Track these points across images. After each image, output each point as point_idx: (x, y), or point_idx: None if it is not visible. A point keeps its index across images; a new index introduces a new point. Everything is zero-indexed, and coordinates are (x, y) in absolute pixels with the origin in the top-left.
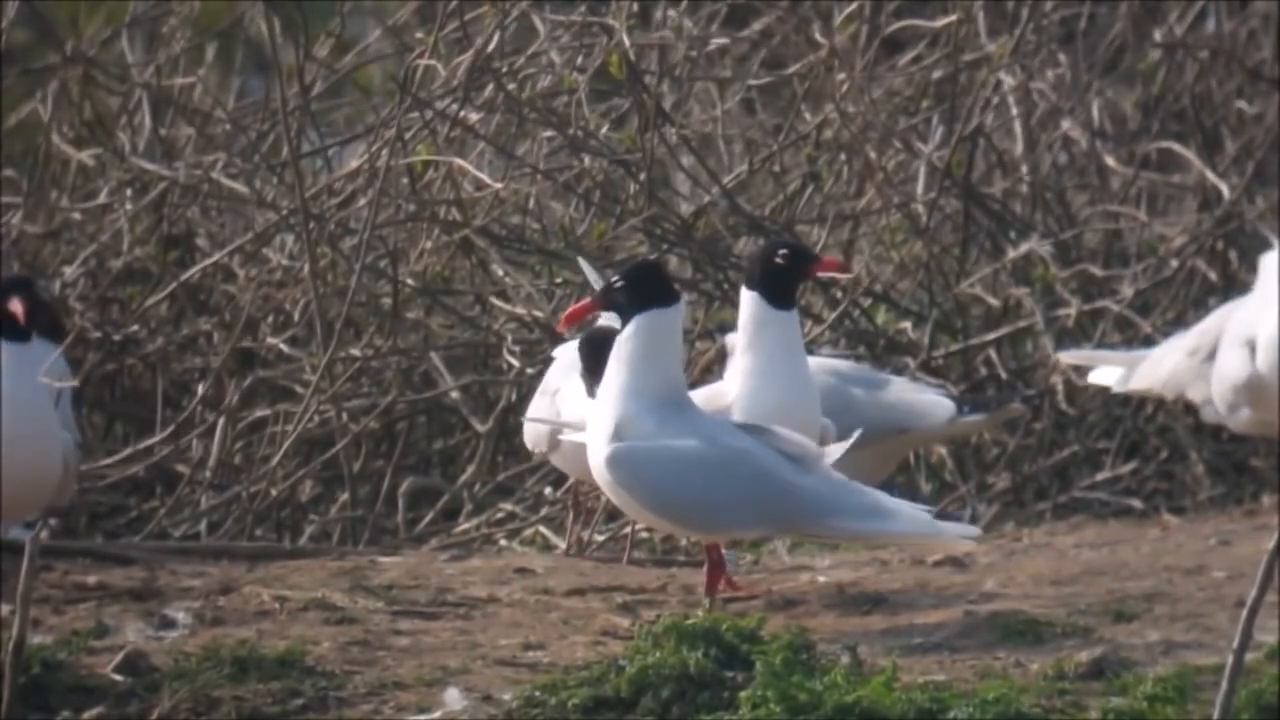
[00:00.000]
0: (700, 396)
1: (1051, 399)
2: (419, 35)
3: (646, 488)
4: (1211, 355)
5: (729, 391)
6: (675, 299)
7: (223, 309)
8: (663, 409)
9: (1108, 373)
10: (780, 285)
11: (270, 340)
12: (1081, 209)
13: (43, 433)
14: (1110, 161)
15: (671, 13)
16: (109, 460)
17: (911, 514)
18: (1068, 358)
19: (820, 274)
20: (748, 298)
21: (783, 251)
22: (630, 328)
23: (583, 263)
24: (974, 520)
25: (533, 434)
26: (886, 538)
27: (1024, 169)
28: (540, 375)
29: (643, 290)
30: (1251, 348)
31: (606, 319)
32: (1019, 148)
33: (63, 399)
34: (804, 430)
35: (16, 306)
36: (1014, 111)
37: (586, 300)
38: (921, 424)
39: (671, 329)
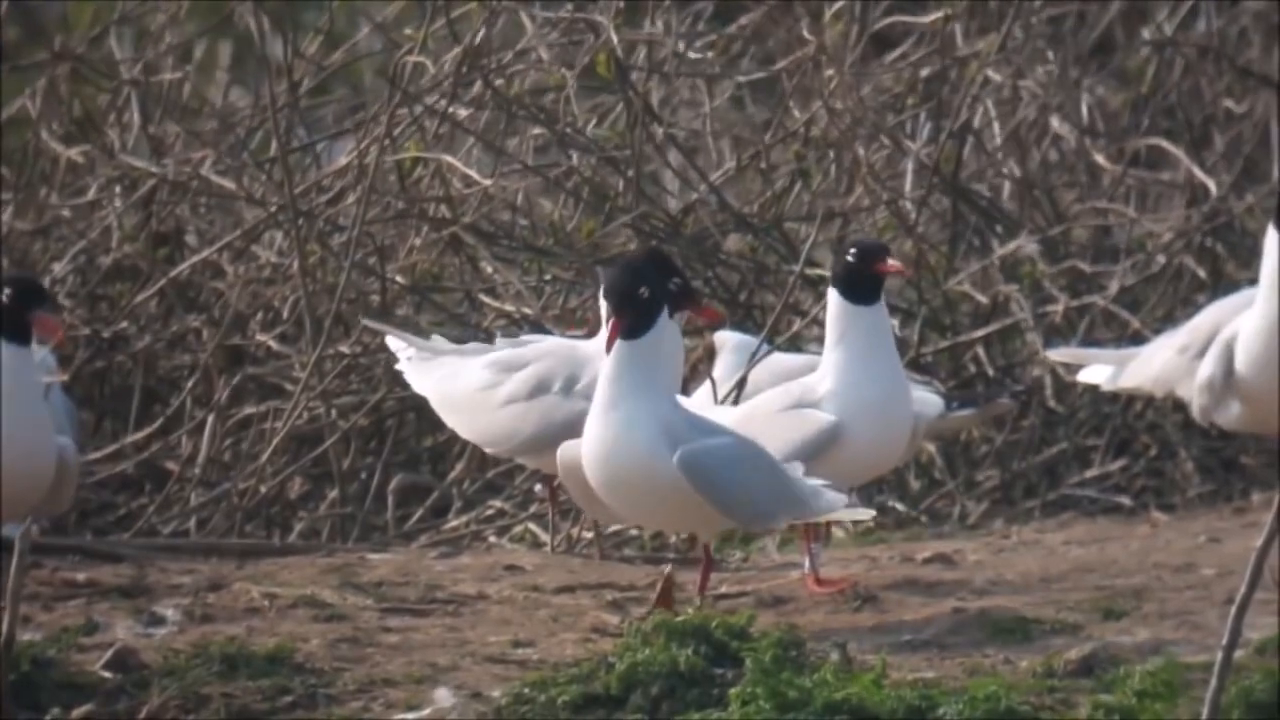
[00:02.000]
0: (791, 392)
1: (1040, 396)
2: (408, 32)
3: (721, 486)
4: (1201, 353)
5: (818, 387)
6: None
7: (212, 306)
8: (680, 409)
9: (1097, 371)
10: (855, 282)
11: (259, 337)
12: (1070, 206)
13: (35, 429)
14: (1099, 158)
15: (659, 13)
16: (96, 455)
17: (823, 493)
18: (1057, 355)
19: (881, 273)
20: (831, 295)
21: (853, 250)
22: (649, 338)
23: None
24: (964, 517)
25: (535, 434)
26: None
27: (1012, 166)
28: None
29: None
30: (1230, 346)
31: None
32: (1007, 145)
33: (60, 400)
34: (898, 422)
35: (51, 325)
36: (1002, 108)
37: (614, 323)
38: None
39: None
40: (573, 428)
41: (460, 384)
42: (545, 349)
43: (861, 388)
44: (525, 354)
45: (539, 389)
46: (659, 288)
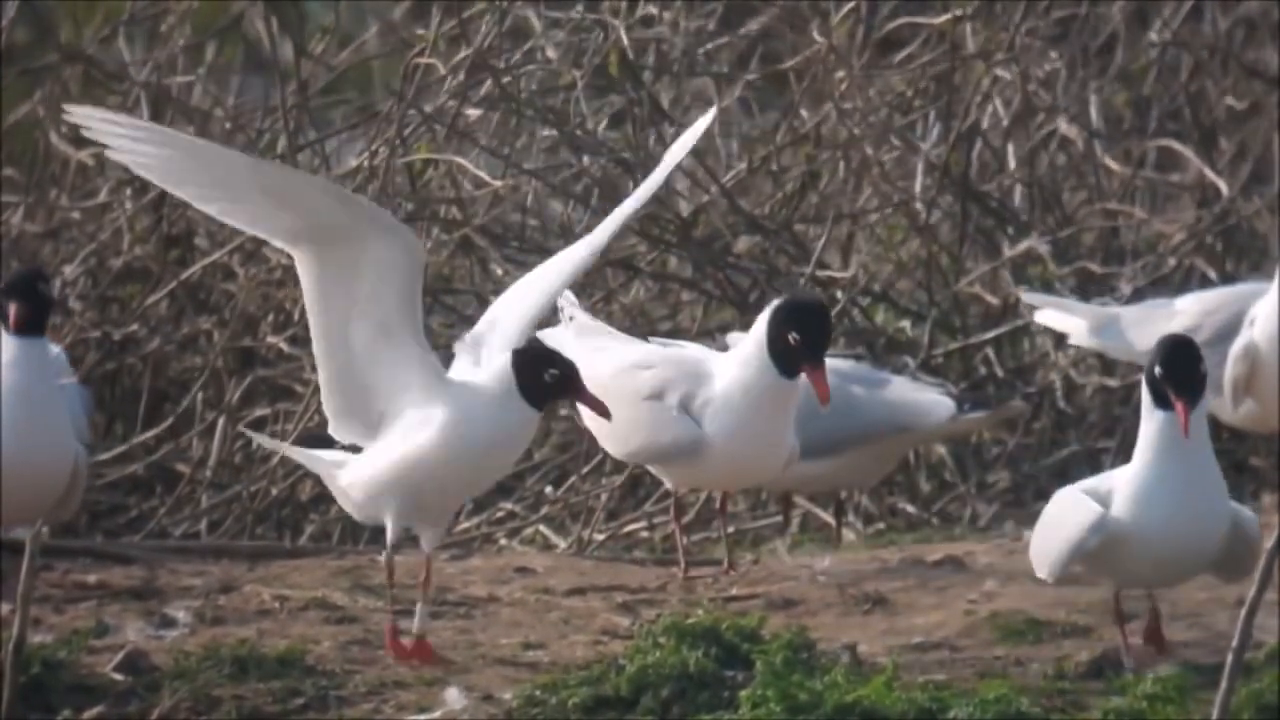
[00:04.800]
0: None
1: (1051, 397)
2: (419, 32)
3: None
4: (1210, 339)
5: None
6: None
7: (222, 308)
8: None
9: (1063, 320)
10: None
11: (270, 339)
12: (1079, 207)
13: (50, 428)
14: (1108, 160)
15: (667, 14)
16: (107, 457)
17: None
18: (1029, 299)
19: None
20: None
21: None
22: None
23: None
24: (974, 519)
25: (642, 446)
26: None
27: (1021, 167)
28: None
29: None
30: (1251, 323)
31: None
32: (1016, 146)
33: (75, 402)
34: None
35: (11, 309)
36: (1011, 109)
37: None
38: (921, 422)
39: None
40: (679, 448)
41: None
42: (674, 355)
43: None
44: (654, 355)
45: (654, 395)
46: (783, 341)
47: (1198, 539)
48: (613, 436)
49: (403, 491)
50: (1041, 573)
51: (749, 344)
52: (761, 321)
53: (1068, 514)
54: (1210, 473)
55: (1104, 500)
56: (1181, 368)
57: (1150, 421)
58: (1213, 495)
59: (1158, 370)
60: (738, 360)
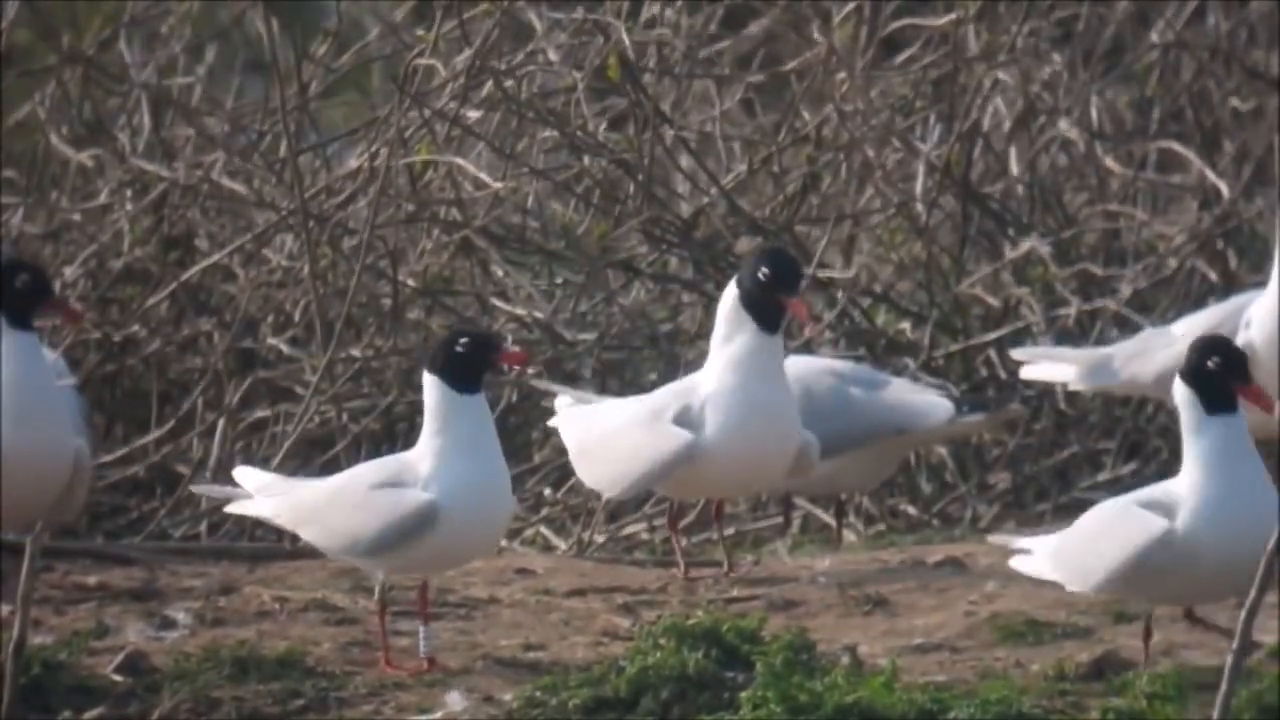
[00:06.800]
0: (387, 467)
1: (1051, 399)
2: (419, 33)
3: None
4: None
5: (419, 466)
6: None
7: (223, 309)
8: None
9: (1055, 370)
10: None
11: (270, 340)
12: (1081, 209)
13: (50, 423)
14: (1109, 161)
15: (669, 12)
16: (109, 457)
17: None
18: (1017, 354)
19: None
20: (431, 381)
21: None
22: None
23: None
24: (975, 521)
25: (648, 469)
26: None
27: (1022, 168)
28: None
29: None
30: (1248, 324)
31: None
32: (1017, 147)
33: (75, 403)
34: (501, 509)
35: (73, 308)
36: (1012, 110)
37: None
38: (921, 424)
39: None
40: (681, 458)
41: (593, 430)
42: (666, 388)
43: (465, 473)
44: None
45: (654, 418)
46: (757, 290)
47: (1258, 551)
48: (619, 477)
49: None
50: (1078, 585)
51: (723, 321)
52: (729, 293)
53: (1126, 528)
54: (1265, 479)
55: (1167, 514)
56: (1235, 358)
57: (1204, 433)
58: (1272, 503)
59: (1212, 364)
60: (717, 342)
